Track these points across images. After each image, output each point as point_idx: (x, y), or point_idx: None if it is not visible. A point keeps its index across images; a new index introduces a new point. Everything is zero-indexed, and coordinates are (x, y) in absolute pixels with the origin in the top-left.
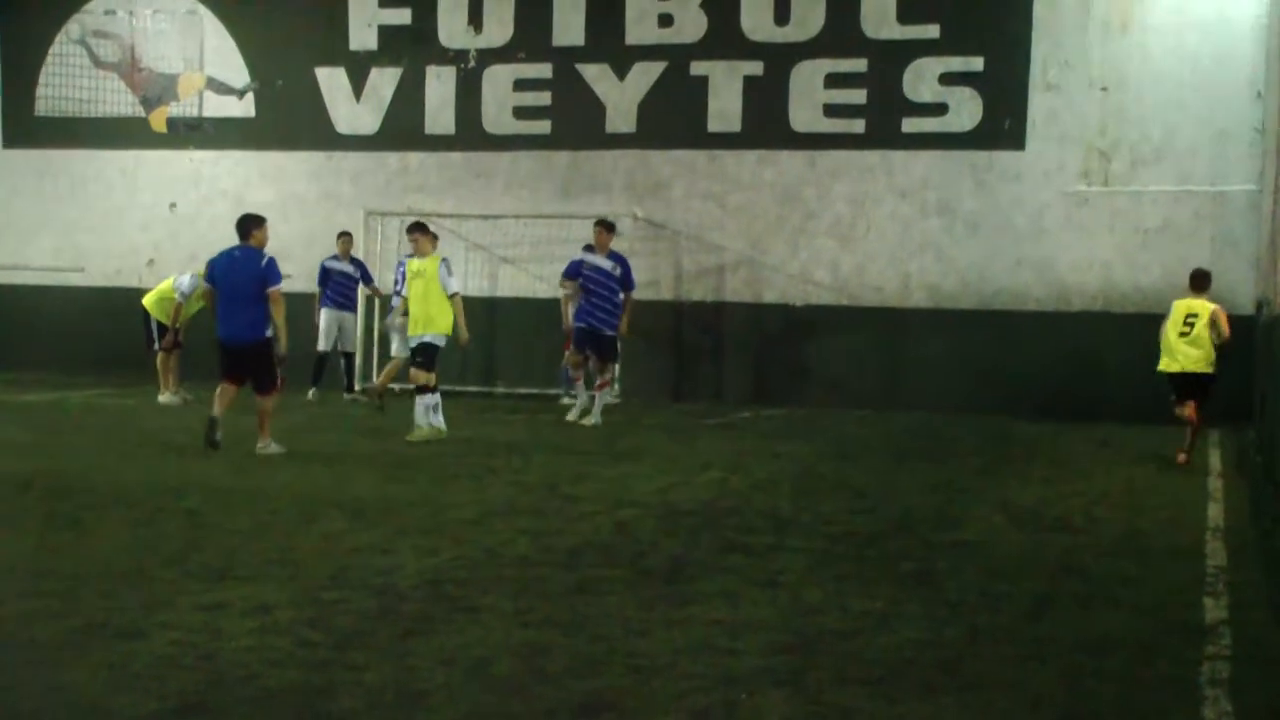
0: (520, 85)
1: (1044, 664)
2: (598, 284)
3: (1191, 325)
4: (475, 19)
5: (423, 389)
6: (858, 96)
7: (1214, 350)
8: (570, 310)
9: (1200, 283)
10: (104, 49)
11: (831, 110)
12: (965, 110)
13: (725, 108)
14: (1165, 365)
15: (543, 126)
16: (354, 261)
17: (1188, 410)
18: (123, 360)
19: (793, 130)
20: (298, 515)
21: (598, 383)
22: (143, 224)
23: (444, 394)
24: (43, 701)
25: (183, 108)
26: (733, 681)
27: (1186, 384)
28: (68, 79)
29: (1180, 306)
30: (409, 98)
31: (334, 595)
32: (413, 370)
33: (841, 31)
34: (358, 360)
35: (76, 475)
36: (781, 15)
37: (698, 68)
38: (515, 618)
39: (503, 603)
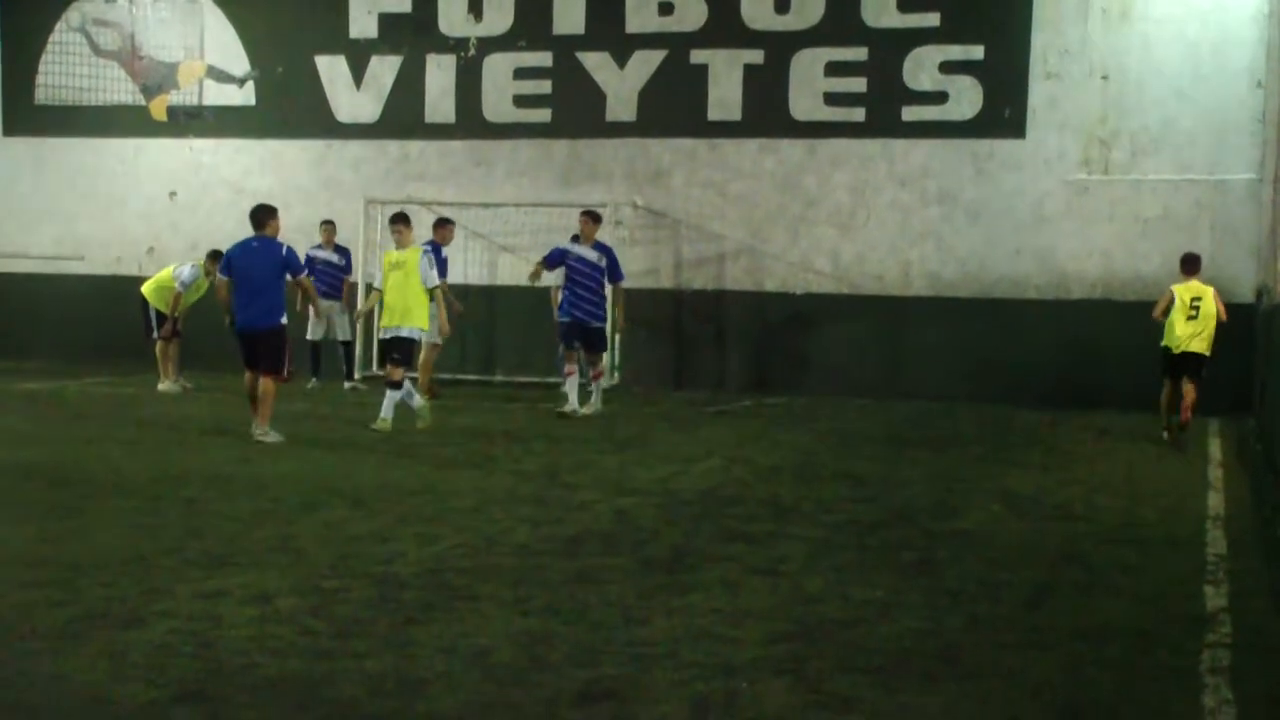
0: (520, 73)
1: (1044, 652)
2: (582, 275)
3: (1197, 308)
4: (475, 7)
5: (395, 384)
6: (858, 85)
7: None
8: (558, 299)
9: (1193, 266)
10: (104, 37)
11: (832, 99)
12: (965, 99)
13: (725, 96)
14: (1172, 344)
15: (543, 115)
16: (339, 249)
17: (1185, 394)
18: (123, 349)
19: (793, 119)
20: (298, 503)
21: (592, 373)
22: (143, 212)
23: (444, 382)
24: (43, 690)
25: (183, 96)
26: (733, 670)
27: (1185, 363)
28: (68, 67)
29: (1183, 291)
30: (409, 86)
31: (334, 583)
32: (389, 365)
33: (842, 20)
34: (357, 350)
35: (76, 464)
36: (781, 3)
37: (698, 56)
38: (515, 606)
39: (503, 591)
